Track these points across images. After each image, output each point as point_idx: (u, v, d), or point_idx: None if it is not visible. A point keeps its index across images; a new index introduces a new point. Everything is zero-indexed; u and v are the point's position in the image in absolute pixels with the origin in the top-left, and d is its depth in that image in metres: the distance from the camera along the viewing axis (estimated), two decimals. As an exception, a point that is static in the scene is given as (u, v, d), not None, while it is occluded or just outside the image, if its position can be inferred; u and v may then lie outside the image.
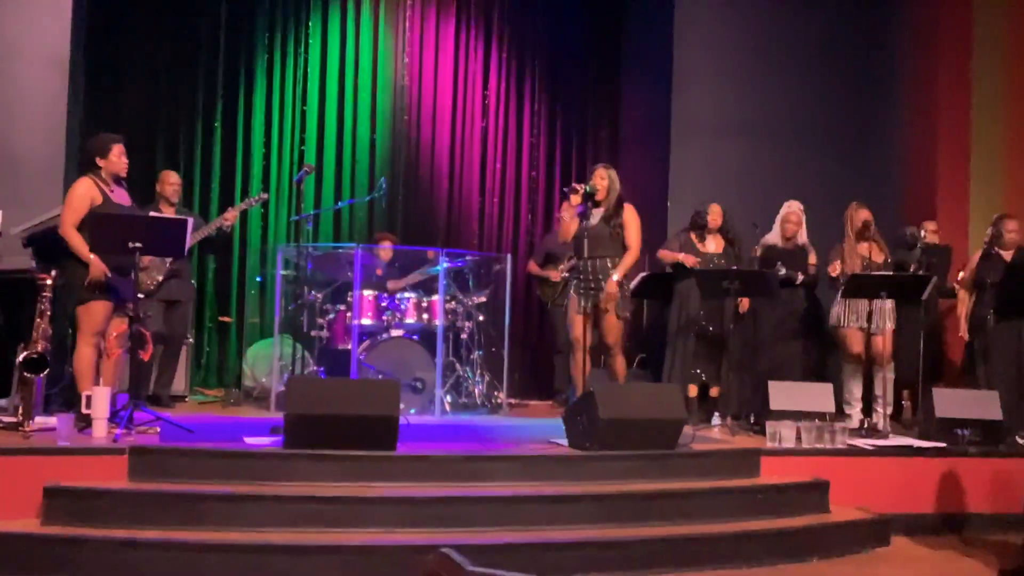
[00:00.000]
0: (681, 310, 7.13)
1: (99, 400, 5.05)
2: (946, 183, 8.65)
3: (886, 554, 5.24)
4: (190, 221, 5.73)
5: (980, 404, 6.25)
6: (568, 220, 6.51)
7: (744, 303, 7.08)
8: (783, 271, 7.03)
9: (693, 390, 7.03)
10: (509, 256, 7.98)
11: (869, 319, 6.73)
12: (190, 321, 7.83)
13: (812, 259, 7.29)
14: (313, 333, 7.51)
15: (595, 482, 5.09)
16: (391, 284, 7.74)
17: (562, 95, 10.18)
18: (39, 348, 5.16)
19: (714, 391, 7.11)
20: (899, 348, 7.03)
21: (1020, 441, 6.27)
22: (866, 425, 6.66)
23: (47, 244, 6.32)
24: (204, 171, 9.21)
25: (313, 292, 7.55)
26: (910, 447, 5.97)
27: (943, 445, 6.00)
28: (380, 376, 6.90)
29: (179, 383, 7.60)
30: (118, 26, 8.79)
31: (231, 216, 7.23)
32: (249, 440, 5.16)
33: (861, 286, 6.58)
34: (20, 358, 5.12)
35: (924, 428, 6.35)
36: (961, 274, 7.33)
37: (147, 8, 8.99)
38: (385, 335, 7.27)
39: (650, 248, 8.52)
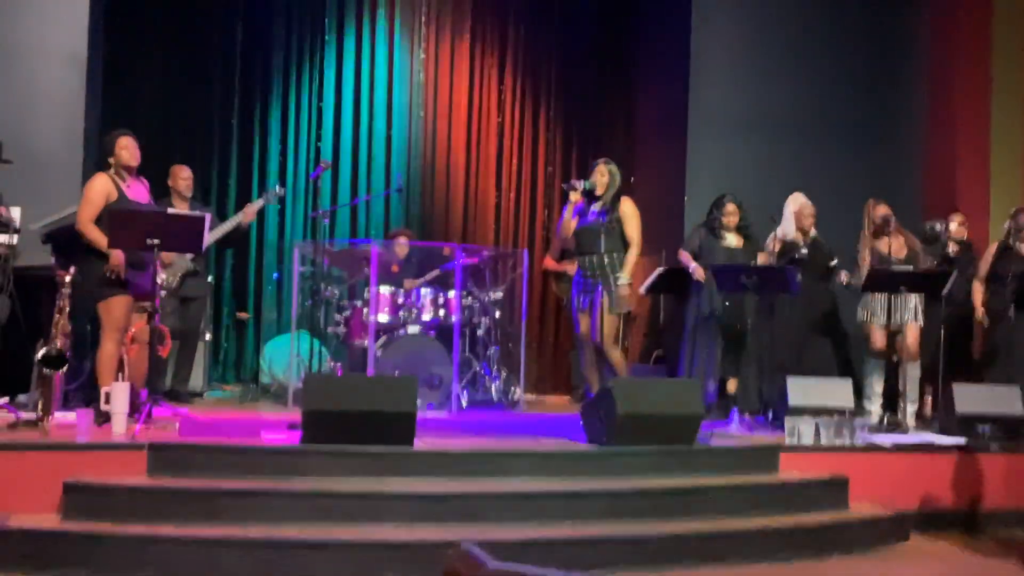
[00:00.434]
0: (701, 305, 7.11)
1: (118, 396, 5.07)
2: (966, 177, 8.59)
3: (905, 551, 5.21)
4: (208, 217, 5.75)
5: (1001, 400, 6.20)
6: (568, 219, 6.46)
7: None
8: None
9: (732, 385, 7.02)
10: (525, 252, 7.98)
11: (890, 315, 6.68)
12: (206, 317, 7.86)
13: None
14: (330, 329, 7.52)
15: (613, 478, 5.08)
16: (407, 283, 7.74)
17: (578, 90, 10.15)
18: (58, 344, 5.17)
19: (732, 386, 7.08)
20: (921, 344, 6.98)
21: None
22: (886, 421, 6.62)
23: (65, 241, 6.35)
24: (221, 168, 9.24)
25: (330, 288, 7.56)
26: (930, 443, 5.93)
27: (963, 441, 5.95)
28: (397, 372, 6.90)
29: (197, 379, 7.64)
30: (135, 24, 8.82)
31: (251, 212, 7.25)
32: (267, 436, 5.17)
33: (879, 281, 6.53)
34: (39, 354, 5.14)
35: (944, 424, 6.30)
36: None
37: (164, 6, 9.02)
38: (402, 331, 7.27)
39: (667, 245, 8.52)
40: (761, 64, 8.77)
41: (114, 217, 5.38)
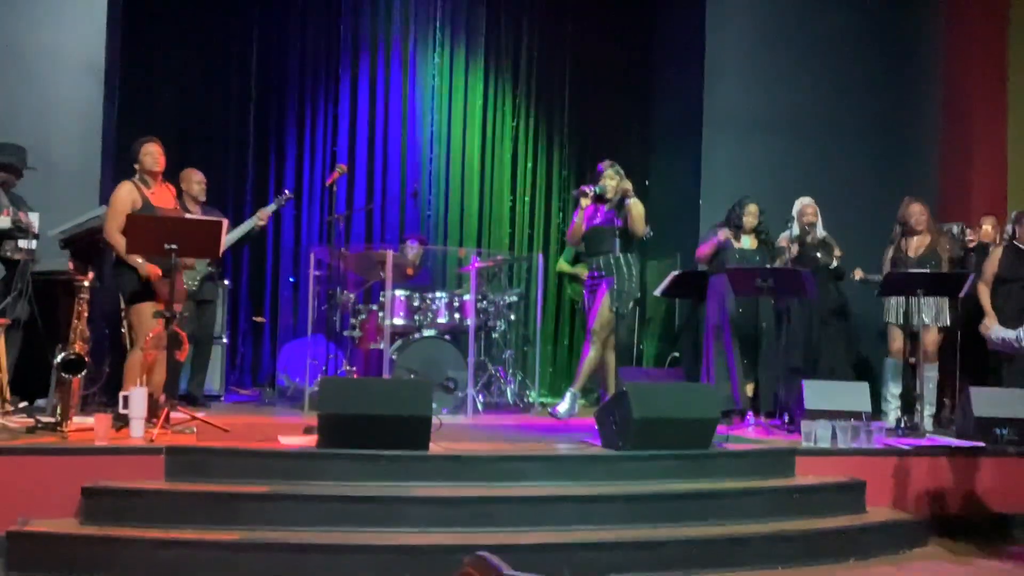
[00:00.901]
0: (718, 307, 7.09)
1: (136, 400, 5.10)
2: (982, 178, 8.55)
3: (923, 555, 5.18)
4: (225, 222, 5.78)
5: (1018, 403, 6.15)
6: (579, 223, 6.45)
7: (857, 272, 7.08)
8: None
9: (749, 388, 7.00)
10: (540, 255, 7.98)
11: (908, 317, 6.65)
12: (221, 321, 7.90)
13: (837, 251, 7.20)
14: (346, 333, 7.55)
15: (628, 482, 5.07)
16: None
17: (593, 94, 10.16)
18: (76, 349, 5.21)
19: (749, 389, 7.06)
20: (942, 347, 6.96)
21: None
22: (903, 424, 6.58)
23: (84, 246, 6.40)
24: (238, 173, 9.29)
25: (345, 292, 7.59)
26: (947, 447, 5.90)
27: (981, 445, 5.92)
28: (412, 376, 6.92)
29: (214, 383, 7.67)
30: (152, 31, 8.87)
31: (264, 216, 7.30)
32: (283, 440, 5.19)
33: (896, 284, 6.51)
34: (58, 359, 5.18)
35: (962, 427, 6.27)
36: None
37: (180, 13, 9.07)
38: (417, 335, 7.28)
39: (682, 248, 8.52)
40: (776, 65, 8.75)
41: (131, 223, 5.42)
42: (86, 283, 5.45)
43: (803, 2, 8.90)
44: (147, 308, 5.64)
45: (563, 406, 6.21)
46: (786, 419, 6.60)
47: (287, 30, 9.45)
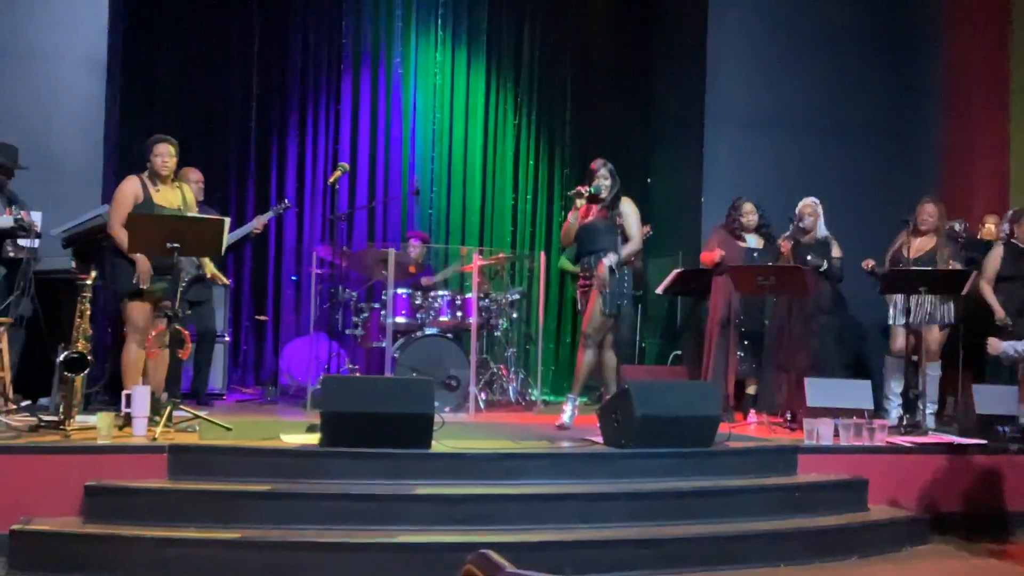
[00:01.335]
0: (719, 305, 7.09)
1: (138, 399, 5.11)
2: (984, 176, 8.54)
3: (925, 553, 5.18)
4: (227, 221, 5.77)
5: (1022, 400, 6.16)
6: (572, 223, 6.39)
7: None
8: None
9: (751, 386, 7.00)
10: (543, 253, 7.98)
11: (908, 314, 6.65)
12: (224, 320, 7.90)
13: (836, 252, 7.13)
14: (348, 331, 7.55)
15: (630, 480, 5.07)
16: (425, 280, 7.76)
17: (594, 91, 10.15)
18: (79, 347, 5.22)
19: (751, 387, 7.07)
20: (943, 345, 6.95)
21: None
22: (905, 422, 6.59)
23: (86, 245, 6.41)
24: (240, 172, 9.29)
25: (348, 291, 7.59)
26: (950, 444, 5.90)
27: (984, 442, 5.92)
28: (414, 374, 6.93)
29: (216, 381, 7.68)
30: (153, 28, 8.87)
31: (259, 225, 7.33)
32: (286, 438, 5.20)
33: (898, 282, 6.51)
34: (61, 358, 5.18)
35: (964, 425, 6.27)
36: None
37: (181, 10, 9.07)
38: (419, 333, 7.29)
39: (684, 246, 8.51)
40: (777, 63, 8.74)
41: (133, 221, 5.42)
42: (88, 282, 5.45)
43: (804, 2, 8.88)
44: (137, 305, 5.63)
45: (566, 415, 6.21)
46: (789, 417, 6.61)
47: (289, 27, 9.44)
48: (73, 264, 6.37)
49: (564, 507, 4.78)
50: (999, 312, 6.83)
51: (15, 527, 4.28)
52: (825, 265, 6.97)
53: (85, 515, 4.46)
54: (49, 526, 4.35)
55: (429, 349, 7.21)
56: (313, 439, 5.08)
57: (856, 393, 6.30)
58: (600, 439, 5.47)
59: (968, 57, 8.77)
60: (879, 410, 6.70)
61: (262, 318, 9.15)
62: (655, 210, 9.67)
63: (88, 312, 5.40)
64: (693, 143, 8.81)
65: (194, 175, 7.23)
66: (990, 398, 6.18)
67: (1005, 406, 6.10)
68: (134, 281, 5.60)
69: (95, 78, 7.46)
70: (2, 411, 5.47)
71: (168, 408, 5.23)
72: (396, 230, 9.44)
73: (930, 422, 6.53)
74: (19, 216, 5.88)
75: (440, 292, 7.53)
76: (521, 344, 8.06)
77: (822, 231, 7.18)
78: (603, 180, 6.33)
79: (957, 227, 7.66)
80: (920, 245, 6.89)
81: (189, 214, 5.84)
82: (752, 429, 6.40)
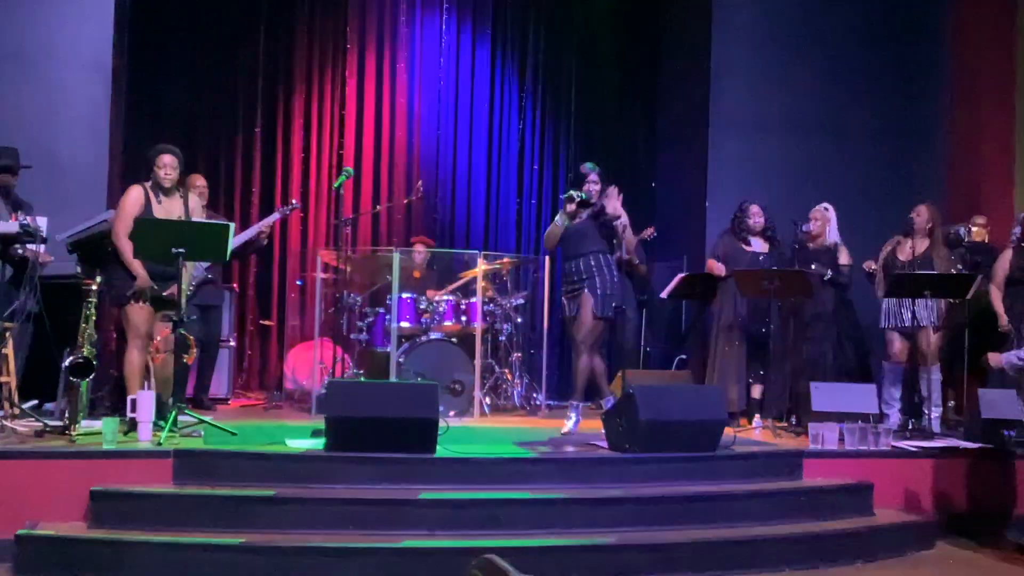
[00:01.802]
0: (724, 310, 7.09)
1: (144, 404, 5.12)
2: (990, 180, 8.53)
3: (931, 557, 5.17)
4: (232, 226, 5.78)
5: (1027, 404, 6.14)
6: (560, 224, 6.37)
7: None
8: (868, 263, 6.94)
9: (756, 390, 6.99)
10: (547, 258, 7.98)
11: (914, 318, 6.64)
12: (229, 324, 7.91)
13: (844, 259, 7.11)
14: (352, 336, 7.56)
15: (635, 484, 5.07)
16: (430, 293, 7.76)
17: (599, 95, 10.16)
18: (84, 353, 5.22)
19: (756, 392, 7.06)
20: (943, 348, 6.93)
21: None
22: (911, 426, 6.58)
23: (92, 250, 6.40)
24: (244, 176, 9.30)
25: (352, 295, 7.60)
26: (955, 448, 5.89)
27: (989, 446, 5.90)
28: (419, 379, 6.93)
29: (221, 386, 7.69)
30: (159, 32, 8.90)
31: (266, 226, 7.32)
32: (291, 443, 5.20)
33: (903, 285, 6.49)
34: (66, 363, 5.19)
35: (969, 429, 6.25)
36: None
37: (188, 14, 9.09)
38: (424, 337, 7.29)
39: (689, 250, 8.51)
40: (782, 66, 8.74)
41: (138, 227, 5.43)
42: (94, 287, 5.46)
43: (809, 3, 8.88)
44: (135, 310, 5.63)
45: (570, 422, 6.21)
46: (793, 421, 6.60)
47: (294, 31, 9.46)
48: (79, 269, 6.37)
49: (569, 512, 4.78)
50: (1003, 319, 6.81)
51: (21, 532, 4.28)
52: (829, 274, 6.95)
53: (90, 520, 4.47)
54: (55, 531, 4.35)
55: (434, 354, 7.21)
56: (318, 444, 5.08)
57: (861, 397, 6.29)
58: (605, 444, 5.47)
59: (974, 60, 8.76)
60: (880, 414, 6.67)
61: (267, 323, 9.15)
62: (660, 213, 9.68)
63: (94, 317, 5.41)
64: (698, 147, 8.81)
65: (198, 181, 7.23)
66: (995, 402, 6.16)
67: (1010, 410, 6.08)
68: (129, 293, 5.58)
69: (101, 82, 7.48)
70: (7, 416, 5.48)
71: (173, 413, 5.24)
72: (401, 234, 9.44)
73: (935, 426, 6.51)
74: (25, 221, 5.88)
75: (445, 297, 7.53)
76: (526, 348, 8.05)
77: (832, 237, 7.14)
78: (593, 185, 6.32)
79: (961, 231, 7.64)
80: (911, 248, 6.88)
81: (194, 219, 5.84)
82: (757, 433, 6.39)
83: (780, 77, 8.72)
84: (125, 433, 5.13)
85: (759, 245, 7.19)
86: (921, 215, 6.89)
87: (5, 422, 5.34)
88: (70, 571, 4.18)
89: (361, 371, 7.48)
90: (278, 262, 9.30)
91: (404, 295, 7.32)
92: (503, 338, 7.78)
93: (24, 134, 6.76)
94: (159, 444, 4.93)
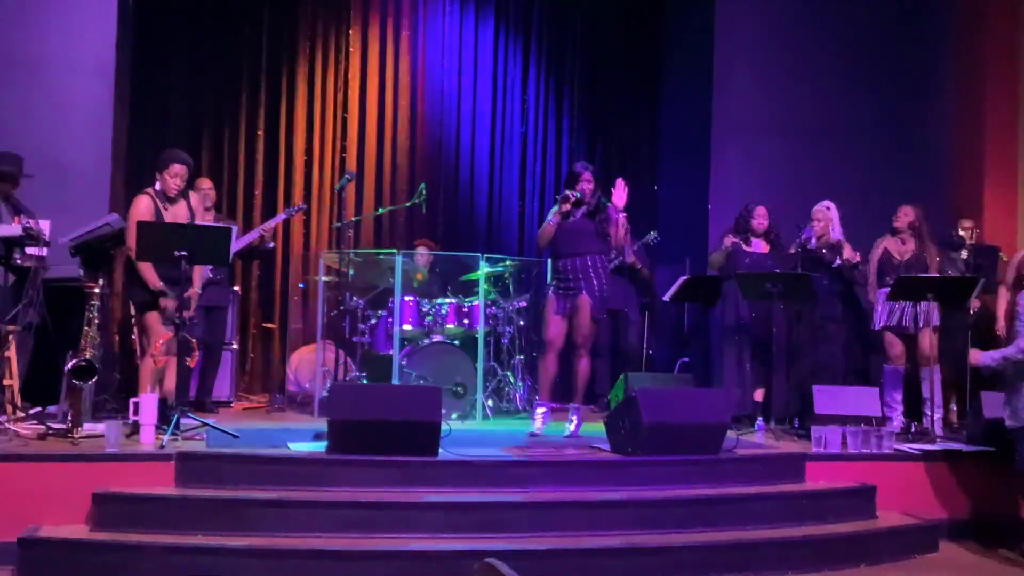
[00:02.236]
0: (727, 313, 7.08)
1: (146, 407, 5.12)
2: (993, 182, 8.52)
3: (934, 560, 5.17)
4: (234, 229, 5.79)
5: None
6: (552, 223, 6.36)
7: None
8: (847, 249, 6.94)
9: (760, 394, 6.98)
10: (549, 260, 7.96)
11: (915, 321, 6.63)
12: (232, 327, 7.91)
13: (847, 254, 7.06)
14: (355, 339, 7.56)
15: (638, 488, 5.07)
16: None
17: (601, 97, 10.16)
18: (87, 356, 5.23)
19: (759, 395, 7.05)
20: (945, 351, 6.92)
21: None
22: (913, 429, 6.56)
23: (95, 253, 6.41)
24: (247, 179, 9.31)
25: (355, 298, 7.60)
26: (958, 451, 5.88)
27: (992, 449, 5.89)
28: (421, 381, 6.93)
29: (224, 389, 7.69)
30: (162, 36, 8.90)
31: (270, 227, 7.32)
32: (293, 446, 5.20)
33: (907, 288, 6.48)
34: (69, 366, 5.20)
35: (972, 431, 6.24)
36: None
37: (190, 18, 9.10)
38: (426, 340, 7.29)
39: (692, 253, 8.50)
40: (785, 68, 8.73)
41: (142, 231, 5.43)
42: (96, 290, 5.47)
43: (812, 6, 8.88)
44: (154, 317, 5.66)
45: (571, 425, 6.21)
46: (796, 424, 6.59)
47: (297, 36, 9.47)
48: (81, 272, 6.38)
49: (571, 515, 4.79)
50: (999, 322, 6.81)
51: (23, 535, 4.29)
52: (838, 261, 6.94)
53: (93, 523, 4.47)
54: (57, 534, 4.36)
55: (436, 356, 7.20)
56: (320, 447, 5.08)
57: (864, 400, 6.28)
58: (608, 447, 5.47)
59: (978, 62, 8.75)
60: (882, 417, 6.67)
61: (269, 325, 9.16)
62: (663, 216, 9.67)
63: (96, 320, 5.42)
64: (701, 149, 8.80)
65: (204, 183, 7.24)
66: (998, 404, 6.13)
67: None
68: (150, 293, 5.60)
69: (103, 86, 7.48)
70: (10, 419, 5.48)
71: (176, 416, 5.24)
72: (403, 237, 9.44)
73: (937, 429, 6.50)
74: (28, 225, 5.89)
75: (447, 299, 7.52)
76: (528, 351, 8.04)
77: (835, 235, 7.14)
78: (587, 184, 6.32)
79: (962, 233, 7.64)
80: (901, 248, 6.88)
81: (197, 223, 5.84)
82: (760, 437, 6.38)
83: (783, 80, 8.71)
84: (128, 436, 5.13)
85: (760, 247, 7.19)
86: (908, 215, 6.90)
87: (8, 425, 5.34)
88: (73, 573, 4.19)
89: (363, 374, 7.47)
90: (280, 265, 9.30)
91: (407, 297, 7.32)
92: (505, 341, 7.78)
93: (27, 138, 6.78)
94: (162, 447, 4.93)
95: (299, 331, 8.99)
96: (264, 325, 9.16)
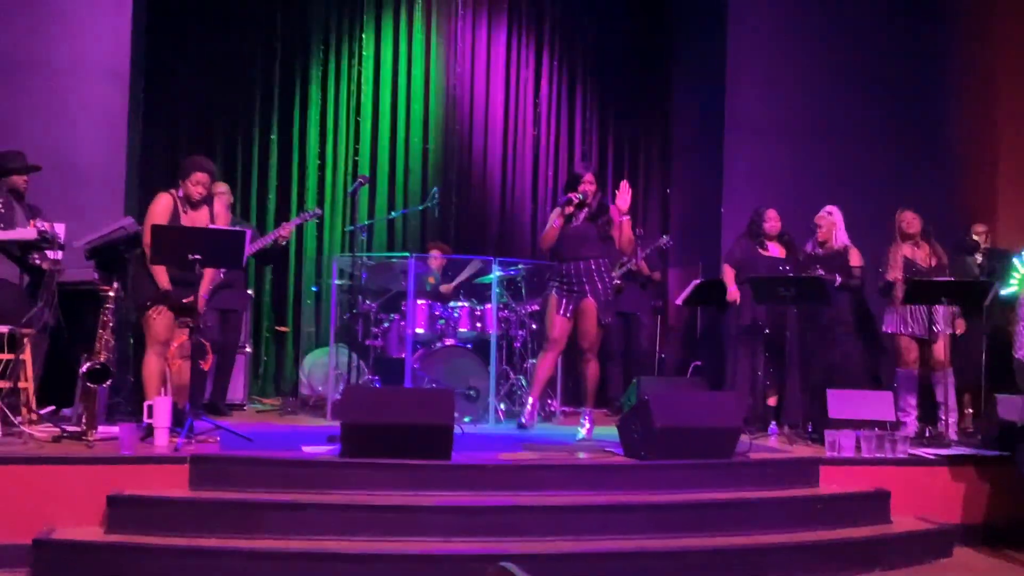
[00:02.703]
0: (741, 316, 7.07)
1: (160, 410, 5.14)
2: (1007, 185, 8.49)
3: (949, 565, 5.14)
4: (248, 232, 5.81)
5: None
6: (556, 227, 6.36)
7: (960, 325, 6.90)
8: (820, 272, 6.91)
9: (773, 398, 6.96)
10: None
11: (930, 325, 6.60)
12: (246, 330, 7.94)
13: (855, 261, 7.05)
14: (368, 342, 7.57)
15: (650, 491, 5.06)
16: (443, 287, 7.75)
17: (613, 100, 10.16)
18: (102, 358, 5.25)
19: (772, 399, 7.03)
20: (960, 354, 6.89)
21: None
22: (928, 433, 6.53)
23: (109, 256, 6.44)
24: (260, 183, 9.34)
25: (368, 301, 7.61)
26: (973, 456, 5.85)
27: (1007, 453, 5.85)
28: (433, 385, 6.93)
29: (237, 392, 7.71)
30: (175, 40, 8.94)
31: (286, 231, 7.33)
32: (306, 449, 5.21)
33: (921, 292, 6.46)
34: (83, 368, 5.22)
35: (987, 435, 6.21)
36: None
37: (203, 23, 9.14)
38: (439, 344, 7.30)
39: (704, 256, 8.49)
40: (797, 71, 8.72)
41: (156, 234, 5.45)
42: (111, 293, 5.49)
43: (824, 8, 8.86)
44: (156, 315, 5.65)
45: (583, 429, 6.21)
46: (810, 428, 6.57)
47: (309, 39, 9.50)
48: (96, 275, 6.41)
49: (584, 518, 4.78)
50: (1020, 323, 6.77)
51: (38, 537, 4.31)
52: (838, 281, 6.91)
53: (107, 525, 4.49)
54: (72, 536, 4.38)
55: (449, 360, 7.21)
56: (334, 450, 5.09)
57: (878, 404, 6.26)
58: (620, 450, 5.46)
59: (991, 64, 8.73)
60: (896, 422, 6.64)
61: (283, 329, 9.18)
62: (675, 220, 9.66)
63: (111, 323, 5.44)
64: (713, 152, 8.80)
65: (220, 187, 7.25)
66: (1013, 408, 6.10)
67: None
68: (149, 302, 5.60)
69: (117, 89, 7.52)
70: (25, 422, 5.51)
71: (189, 419, 5.26)
72: (416, 240, 9.45)
73: (952, 433, 6.47)
74: (43, 228, 5.92)
75: (459, 303, 7.53)
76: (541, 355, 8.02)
77: (841, 240, 7.10)
78: (588, 186, 6.33)
79: (976, 237, 7.61)
80: (920, 253, 6.85)
81: (211, 226, 5.86)
82: (773, 441, 6.36)
83: (796, 82, 8.70)
84: (142, 439, 5.15)
85: (776, 250, 7.17)
86: (916, 221, 6.86)
87: (23, 428, 5.37)
88: (87, 576, 4.21)
89: (376, 377, 7.49)
90: (293, 268, 9.33)
91: (419, 301, 7.33)
92: (518, 344, 7.78)
93: (43, 142, 6.82)
94: (176, 450, 4.95)
95: (312, 334, 9.01)
96: (277, 328, 9.18)
